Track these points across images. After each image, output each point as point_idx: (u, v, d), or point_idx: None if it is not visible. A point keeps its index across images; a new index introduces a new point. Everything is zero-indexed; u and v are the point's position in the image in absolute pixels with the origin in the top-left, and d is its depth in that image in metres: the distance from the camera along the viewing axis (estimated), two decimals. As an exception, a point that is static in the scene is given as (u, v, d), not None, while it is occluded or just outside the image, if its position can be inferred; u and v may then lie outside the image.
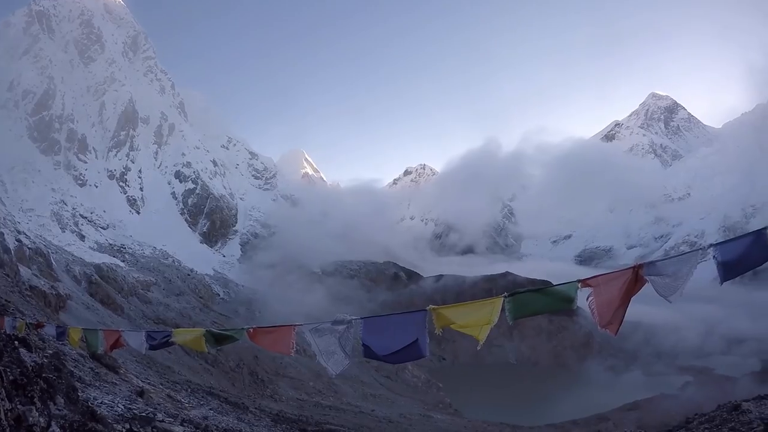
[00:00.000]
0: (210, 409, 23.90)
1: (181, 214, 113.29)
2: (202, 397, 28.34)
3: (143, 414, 12.89)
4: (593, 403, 66.60)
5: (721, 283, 5.45)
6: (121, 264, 77.84)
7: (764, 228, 5.63)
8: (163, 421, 13.02)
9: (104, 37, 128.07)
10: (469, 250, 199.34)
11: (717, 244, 5.41)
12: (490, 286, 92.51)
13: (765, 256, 5.60)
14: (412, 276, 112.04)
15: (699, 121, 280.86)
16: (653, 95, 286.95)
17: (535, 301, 5.32)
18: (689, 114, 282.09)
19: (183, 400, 22.10)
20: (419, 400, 63.22)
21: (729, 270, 5.43)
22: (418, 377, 71.26)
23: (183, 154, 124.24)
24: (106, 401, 13.13)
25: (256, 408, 32.28)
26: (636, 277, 5.12)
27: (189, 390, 29.35)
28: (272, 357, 56.15)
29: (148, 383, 23.12)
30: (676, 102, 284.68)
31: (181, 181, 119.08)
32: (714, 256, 5.37)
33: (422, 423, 48.06)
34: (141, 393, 17.61)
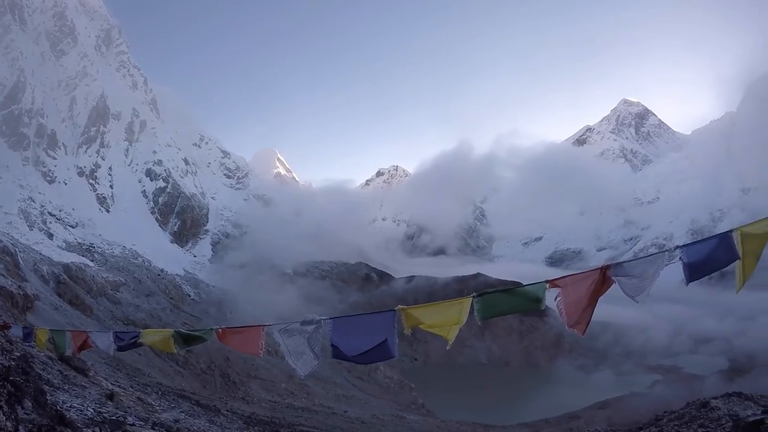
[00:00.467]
0: (181, 412, 23.59)
1: (152, 213, 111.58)
2: (173, 399, 27.98)
3: (113, 417, 12.65)
4: (564, 402, 67.46)
5: (687, 284, 5.55)
6: (90, 264, 76.31)
7: (729, 231, 5.75)
8: (133, 424, 12.80)
9: (77, 30, 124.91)
10: (440, 252, 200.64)
11: (683, 246, 5.50)
12: (461, 287, 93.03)
13: (730, 258, 5.72)
14: (384, 277, 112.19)
15: (669, 128, 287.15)
16: (625, 101, 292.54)
17: (503, 302, 5.35)
18: (659, 120, 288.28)
19: (154, 403, 21.77)
20: (392, 401, 63.27)
21: (695, 271, 5.53)
22: (390, 378, 71.29)
23: (154, 152, 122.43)
24: (75, 405, 12.86)
25: (228, 410, 32.00)
26: (603, 278, 5.19)
27: (160, 392, 28.99)
28: (244, 358, 55.65)
29: (118, 386, 22.73)
30: (647, 108, 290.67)
31: (152, 180, 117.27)
32: (680, 258, 5.47)
33: (395, 424, 48.09)
34: (111, 396, 17.27)
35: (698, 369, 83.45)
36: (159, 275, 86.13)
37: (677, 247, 5.44)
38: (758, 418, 9.81)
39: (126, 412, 15.32)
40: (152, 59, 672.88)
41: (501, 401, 70.41)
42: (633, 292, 5.16)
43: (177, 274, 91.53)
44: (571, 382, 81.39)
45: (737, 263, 5.75)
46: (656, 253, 5.23)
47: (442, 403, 67.33)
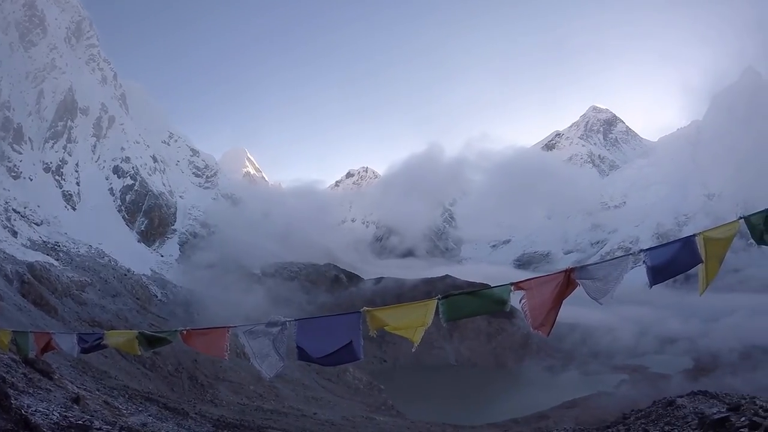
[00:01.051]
0: (149, 415, 23.25)
1: (119, 211, 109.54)
2: (141, 403, 27.50)
3: (80, 422, 12.41)
4: (533, 402, 68.30)
5: (651, 287, 5.64)
6: (55, 263, 74.58)
7: (692, 235, 5.86)
8: (100, 429, 12.58)
9: (47, 21, 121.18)
10: (409, 253, 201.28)
11: (647, 249, 5.59)
12: (429, 289, 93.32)
13: (693, 261, 5.84)
14: (353, 278, 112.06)
15: (636, 135, 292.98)
16: (594, 108, 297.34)
17: (468, 304, 5.36)
18: (627, 127, 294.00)
19: (120, 407, 21.42)
20: (361, 402, 63.13)
21: (658, 274, 5.63)
22: (359, 379, 71.17)
23: (122, 149, 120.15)
24: (40, 409, 12.60)
25: (196, 413, 31.56)
26: (568, 281, 5.24)
27: (127, 396, 28.47)
28: (212, 360, 54.95)
29: (84, 389, 22.28)
30: (615, 115, 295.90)
31: (119, 177, 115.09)
32: (644, 261, 5.55)
33: (365, 425, 47.98)
34: (77, 400, 16.90)
35: (664, 368, 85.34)
36: (125, 275, 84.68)
37: (641, 250, 5.52)
38: (723, 415, 10.05)
39: (92, 416, 15.04)
40: (123, 53, 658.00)
41: (470, 402, 70.83)
42: (597, 295, 5.22)
43: (144, 274, 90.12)
44: (539, 383, 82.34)
45: (700, 267, 5.87)
46: (620, 257, 5.30)
47: (412, 404, 67.48)
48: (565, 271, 5.29)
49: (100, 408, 17.87)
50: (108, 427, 13.55)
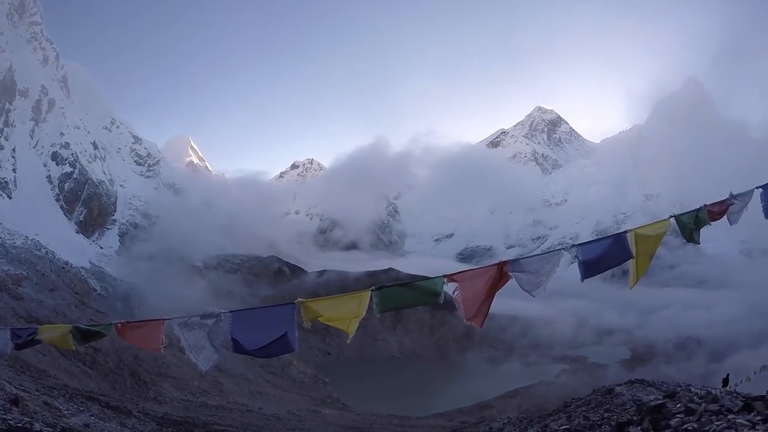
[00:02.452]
0: (91, 415, 22.72)
1: (57, 200, 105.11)
2: (82, 402, 26.79)
3: (19, 425, 11.98)
4: (476, 392, 69.90)
5: (582, 280, 5.85)
6: (-13, 255, 71.13)
7: (623, 232, 6.09)
8: (41, 431, 12.15)
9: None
10: (353, 246, 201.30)
11: (579, 244, 5.77)
12: (372, 282, 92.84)
13: (623, 257, 6.08)
14: (296, 271, 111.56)
15: (579, 136, 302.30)
16: (539, 108, 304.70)
17: (402, 295, 5.43)
18: (571, 128, 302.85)
19: (61, 407, 20.84)
20: (307, 396, 62.95)
21: (589, 268, 5.84)
22: (304, 373, 70.92)
23: (62, 134, 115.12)
24: (-24, 412, 12.07)
25: (139, 412, 30.93)
26: (500, 274, 5.37)
27: (67, 396, 27.70)
28: (154, 356, 53.58)
29: (23, 390, 21.57)
30: (559, 116, 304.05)
31: (57, 164, 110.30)
32: (576, 256, 5.73)
33: (311, 418, 47.89)
34: (15, 401, 16.36)
35: (602, 359, 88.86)
36: (63, 268, 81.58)
37: (573, 245, 5.70)
38: (660, 402, 10.46)
39: (32, 417, 14.64)
40: (66, 33, 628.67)
41: (414, 393, 71.65)
42: (529, 287, 5.37)
43: (82, 267, 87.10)
44: (482, 373, 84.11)
45: (631, 262, 6.12)
46: (551, 251, 5.45)
47: (357, 396, 67.72)
48: (498, 264, 5.41)
49: (40, 409, 17.39)
50: (49, 429, 13.20)
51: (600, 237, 6.48)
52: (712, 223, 6.96)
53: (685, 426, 8.41)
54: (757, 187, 7.34)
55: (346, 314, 5.25)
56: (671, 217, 6.59)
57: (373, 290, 5.30)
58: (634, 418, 11.35)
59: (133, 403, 37.53)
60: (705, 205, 6.97)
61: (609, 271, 6.27)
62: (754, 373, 31.46)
